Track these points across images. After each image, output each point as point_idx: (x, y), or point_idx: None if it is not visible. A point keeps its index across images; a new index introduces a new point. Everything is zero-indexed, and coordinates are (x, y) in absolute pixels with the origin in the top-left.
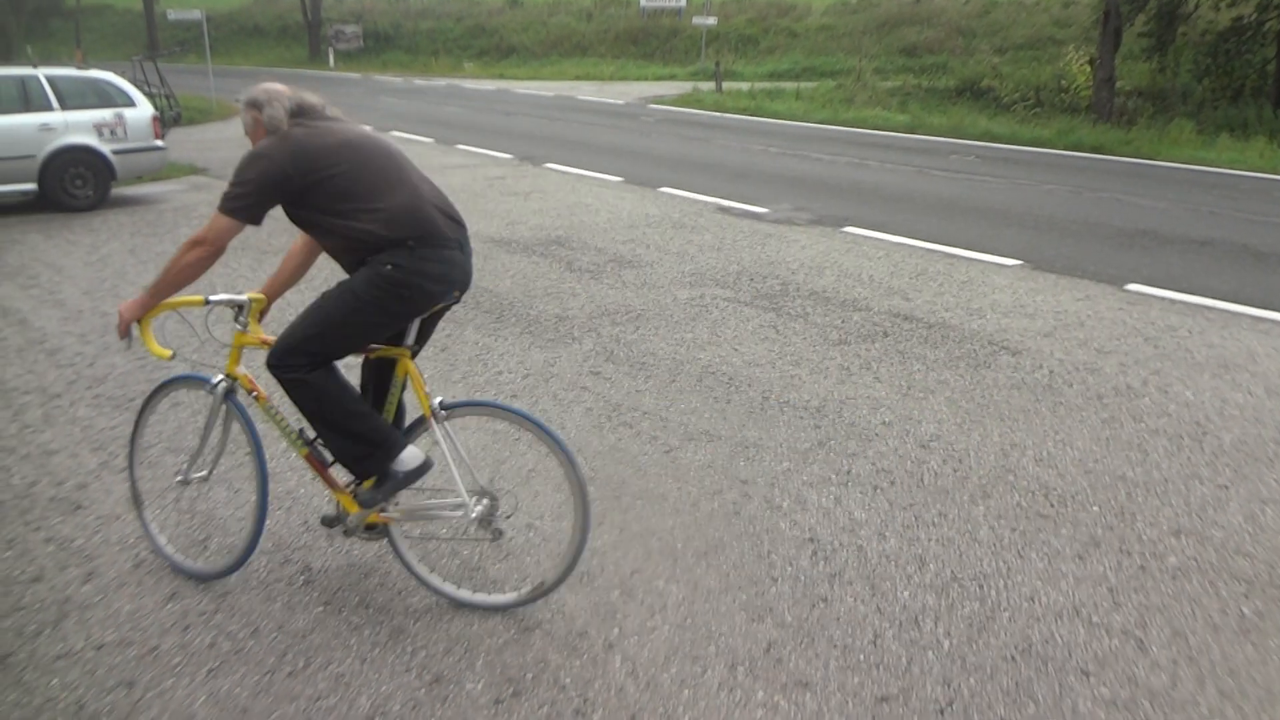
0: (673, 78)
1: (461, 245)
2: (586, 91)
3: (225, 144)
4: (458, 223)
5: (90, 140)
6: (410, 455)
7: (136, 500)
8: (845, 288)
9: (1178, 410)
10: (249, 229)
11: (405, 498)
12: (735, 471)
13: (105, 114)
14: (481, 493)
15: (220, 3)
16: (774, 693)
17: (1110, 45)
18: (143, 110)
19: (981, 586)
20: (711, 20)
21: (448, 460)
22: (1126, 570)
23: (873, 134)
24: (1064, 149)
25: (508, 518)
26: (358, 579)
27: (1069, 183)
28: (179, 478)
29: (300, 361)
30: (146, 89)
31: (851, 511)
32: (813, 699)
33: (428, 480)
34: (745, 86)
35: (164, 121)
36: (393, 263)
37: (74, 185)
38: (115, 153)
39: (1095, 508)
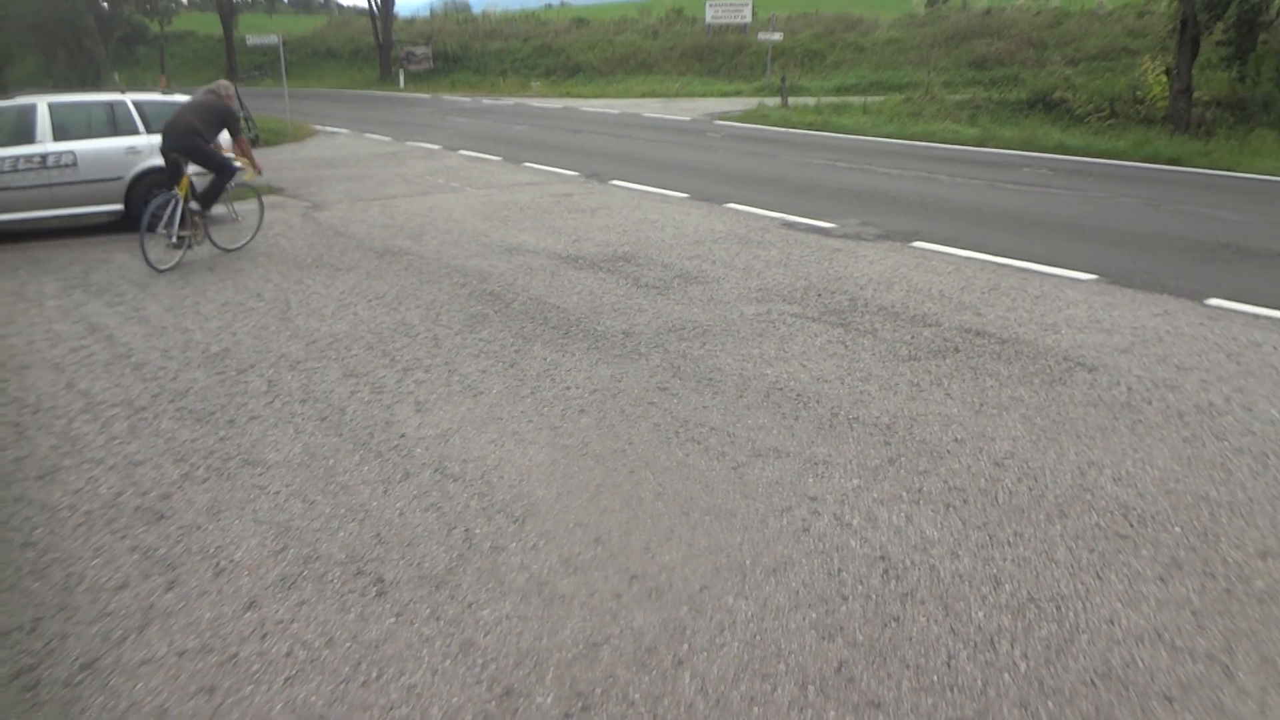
0: (738, 93)
1: (174, 136)
2: (652, 108)
3: (300, 164)
4: (178, 124)
5: None
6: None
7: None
8: (915, 303)
9: (1263, 428)
10: (322, 251)
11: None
12: (804, 488)
13: None
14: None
15: (296, 27)
16: (845, 713)
17: (1188, 54)
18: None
19: (1059, 608)
20: (777, 35)
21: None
22: (1211, 593)
23: (942, 148)
24: (1140, 161)
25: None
26: (429, 591)
27: (1145, 195)
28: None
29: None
30: None
31: (923, 530)
32: None
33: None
34: (811, 101)
35: None
36: None
37: None
38: (197, 174)
39: (1177, 528)
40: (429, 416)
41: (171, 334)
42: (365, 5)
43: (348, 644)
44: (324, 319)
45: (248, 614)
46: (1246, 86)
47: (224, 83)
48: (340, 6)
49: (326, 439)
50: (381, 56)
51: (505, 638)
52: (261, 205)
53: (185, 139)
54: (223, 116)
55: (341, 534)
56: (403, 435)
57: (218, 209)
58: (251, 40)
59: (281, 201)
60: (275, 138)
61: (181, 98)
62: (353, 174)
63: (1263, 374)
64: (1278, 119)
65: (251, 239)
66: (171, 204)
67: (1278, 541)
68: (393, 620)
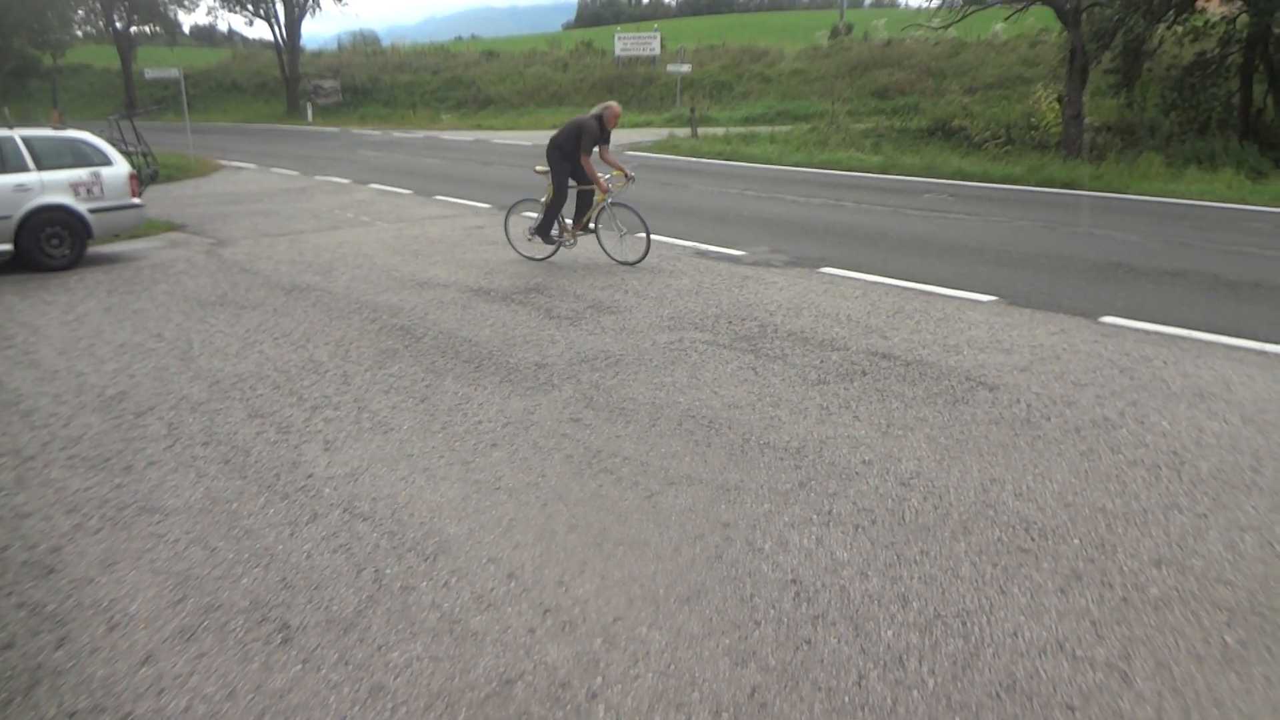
0: (649, 124)
1: (550, 145)
2: None
3: (204, 199)
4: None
5: (66, 200)
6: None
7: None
8: (823, 328)
9: (1155, 440)
10: (226, 289)
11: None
12: (716, 515)
13: (81, 173)
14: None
15: (198, 60)
16: None
17: (1078, 82)
18: (119, 169)
19: (965, 623)
20: (686, 67)
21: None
22: (1109, 602)
23: (847, 175)
24: (1036, 185)
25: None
26: (337, 635)
27: (1041, 218)
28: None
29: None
30: (124, 147)
31: (833, 551)
32: None
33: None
34: (720, 131)
35: (141, 179)
36: None
37: (50, 245)
38: (92, 211)
39: (1076, 540)
40: (338, 455)
41: (64, 378)
42: (271, 38)
43: (250, 695)
44: (228, 358)
45: (143, 669)
46: (1134, 112)
47: (609, 103)
48: (245, 39)
49: (230, 482)
50: (288, 90)
51: (416, 679)
52: (645, 223)
53: (548, 151)
54: (577, 134)
55: (245, 580)
56: (310, 475)
57: (606, 233)
58: (150, 73)
59: (184, 239)
60: (178, 173)
61: (75, 133)
62: (259, 209)
63: (1154, 388)
64: (1163, 143)
65: (642, 258)
66: (535, 205)
67: (1170, 550)
68: (299, 667)
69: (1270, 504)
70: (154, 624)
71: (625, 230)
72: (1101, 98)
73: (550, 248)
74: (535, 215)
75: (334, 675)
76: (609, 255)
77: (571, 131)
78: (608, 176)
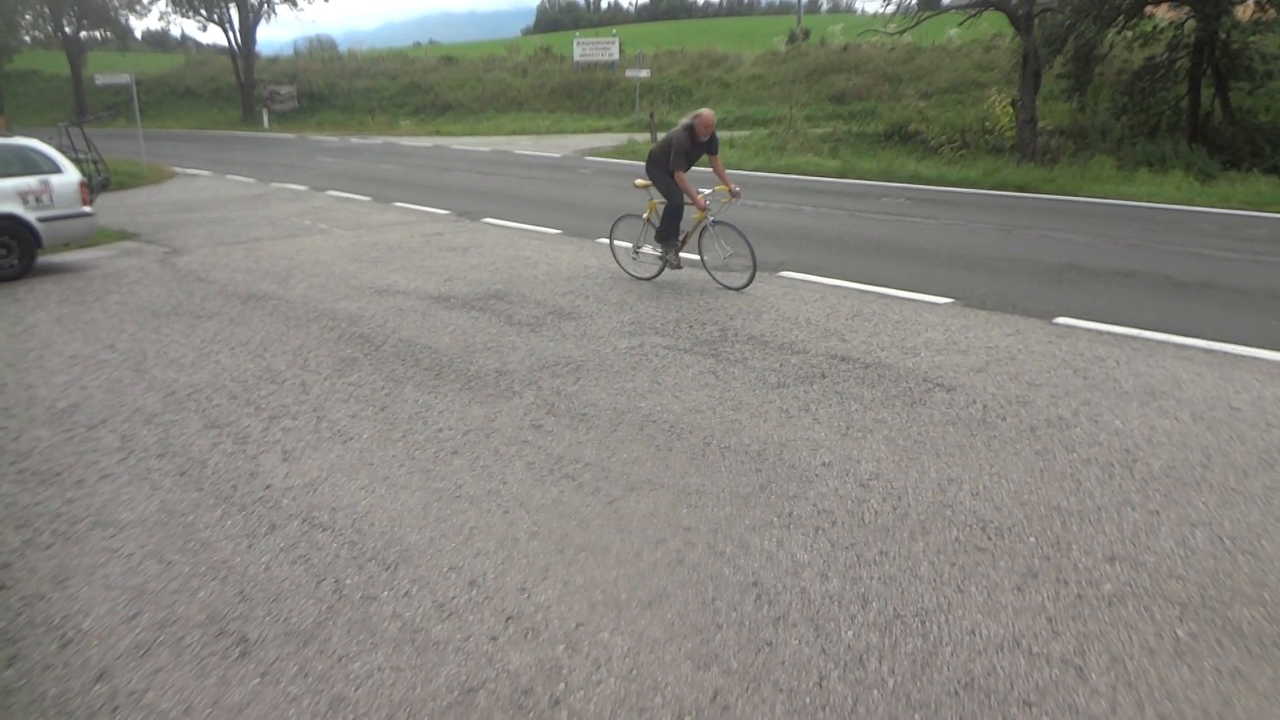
0: (608, 130)
1: (649, 162)
2: (523, 145)
3: (157, 207)
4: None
5: (14, 208)
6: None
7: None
8: (783, 331)
9: (1108, 439)
10: (181, 298)
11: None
12: (678, 519)
13: (30, 181)
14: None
15: (151, 66)
16: None
17: (1031, 87)
18: (69, 176)
19: (924, 622)
20: (644, 73)
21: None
22: (1064, 599)
23: (805, 179)
24: (990, 188)
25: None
26: (296, 647)
27: (996, 221)
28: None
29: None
30: (74, 155)
31: (794, 554)
32: None
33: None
34: None
35: (92, 187)
36: None
37: None
38: (41, 220)
39: (1032, 538)
40: (296, 465)
41: (13, 390)
42: (225, 44)
43: (207, 710)
44: (183, 369)
45: (97, 687)
46: (1085, 115)
47: (699, 111)
48: (199, 45)
49: (186, 495)
50: (244, 96)
51: (377, 690)
52: (750, 245)
53: (648, 169)
54: (667, 149)
55: (202, 594)
56: (268, 486)
57: (709, 255)
58: (101, 79)
59: (137, 248)
60: (130, 181)
61: (23, 141)
62: (214, 217)
63: (1107, 387)
64: (1115, 146)
65: (746, 284)
66: (637, 222)
67: (1123, 546)
68: (257, 681)
69: (1220, 499)
70: (108, 640)
71: (730, 251)
72: (1054, 102)
73: (657, 258)
74: (629, 244)
75: (293, 688)
76: (713, 278)
77: (664, 147)
78: (708, 193)
